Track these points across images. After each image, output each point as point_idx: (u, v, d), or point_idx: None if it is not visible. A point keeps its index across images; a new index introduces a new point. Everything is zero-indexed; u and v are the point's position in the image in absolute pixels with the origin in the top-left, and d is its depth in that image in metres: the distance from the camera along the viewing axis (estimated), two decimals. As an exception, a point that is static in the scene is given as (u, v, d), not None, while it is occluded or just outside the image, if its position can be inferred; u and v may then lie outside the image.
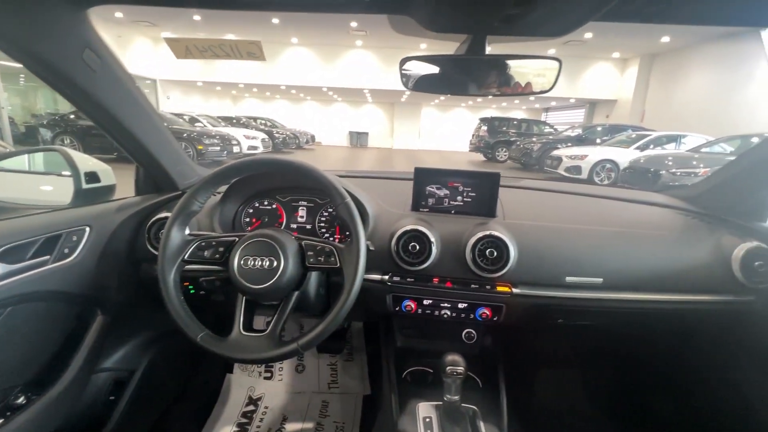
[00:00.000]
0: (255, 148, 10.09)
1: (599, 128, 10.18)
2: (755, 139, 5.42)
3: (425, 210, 1.00)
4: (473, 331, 1.03)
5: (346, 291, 0.71)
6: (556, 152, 8.54)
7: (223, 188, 1.01)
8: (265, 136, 11.22)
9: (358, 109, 21.12)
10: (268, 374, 1.52)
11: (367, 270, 0.93)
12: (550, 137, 10.95)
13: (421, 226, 0.89)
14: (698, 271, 0.90)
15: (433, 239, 0.88)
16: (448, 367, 0.79)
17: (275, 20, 11.03)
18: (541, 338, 1.42)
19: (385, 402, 1.01)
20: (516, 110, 20.55)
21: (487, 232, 0.87)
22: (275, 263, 0.71)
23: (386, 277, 0.92)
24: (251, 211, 1.07)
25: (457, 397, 0.81)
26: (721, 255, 0.91)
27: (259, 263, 0.72)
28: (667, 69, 11.88)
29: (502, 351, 1.07)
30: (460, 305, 0.93)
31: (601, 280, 0.89)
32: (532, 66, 0.68)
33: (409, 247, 0.88)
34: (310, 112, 21.05)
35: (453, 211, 1.00)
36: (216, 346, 0.71)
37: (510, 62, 0.68)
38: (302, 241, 0.77)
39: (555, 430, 1.27)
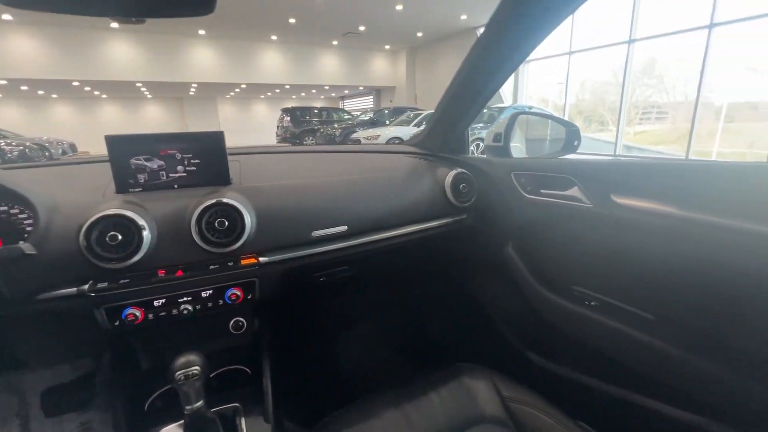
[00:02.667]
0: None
1: (386, 111, 11.59)
2: (486, 133, 7.22)
3: (137, 190, 0.79)
4: (241, 319, 0.90)
5: None
6: (354, 135, 9.28)
7: None
8: (-18, 151, 7.96)
9: (136, 108, 17.49)
10: None
11: (49, 286, 0.66)
12: (349, 122, 11.80)
13: (122, 209, 0.68)
14: (425, 202, 1.03)
15: (142, 222, 0.69)
16: (178, 373, 0.64)
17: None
18: (316, 303, 1.42)
19: None
20: (314, 99, 21.20)
21: (212, 201, 0.74)
22: None
23: (86, 286, 0.68)
24: None
25: (199, 404, 0.67)
26: (438, 184, 1.06)
27: None
28: (426, 59, 14.49)
29: (271, 330, 0.99)
30: (204, 293, 0.78)
31: (345, 227, 0.90)
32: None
33: (107, 239, 0.67)
34: (65, 115, 16.13)
35: (176, 185, 0.82)
36: None
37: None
38: None
39: (330, 396, 1.24)
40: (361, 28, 11.94)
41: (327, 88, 16.54)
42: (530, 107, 8.47)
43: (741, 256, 0.63)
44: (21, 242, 0.63)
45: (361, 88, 17.08)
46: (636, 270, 0.80)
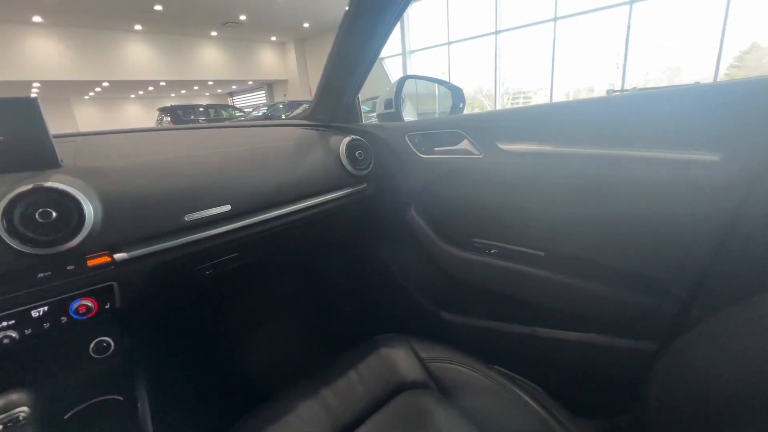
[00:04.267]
0: None
1: (281, 105, 11.08)
2: (377, 101, 7.49)
3: None
4: (106, 338, 0.72)
5: None
6: (248, 132, 8.70)
7: None
8: None
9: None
10: None
11: None
12: (242, 119, 11.02)
13: None
14: (320, 173, 0.95)
15: None
16: None
17: None
18: (210, 302, 1.26)
19: None
20: (198, 97, 19.20)
21: (27, 187, 0.55)
22: None
23: None
24: None
25: None
26: (332, 153, 0.99)
27: None
28: (316, 50, 14.18)
29: (152, 345, 0.82)
30: (36, 312, 0.59)
31: (228, 207, 0.77)
32: None
33: None
34: None
35: None
36: None
37: None
38: None
39: (241, 402, 1.06)
40: (242, 17, 11.13)
41: (211, 83, 15.11)
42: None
43: (604, 181, 0.70)
44: None
45: (250, 82, 16.01)
46: (523, 211, 0.85)
